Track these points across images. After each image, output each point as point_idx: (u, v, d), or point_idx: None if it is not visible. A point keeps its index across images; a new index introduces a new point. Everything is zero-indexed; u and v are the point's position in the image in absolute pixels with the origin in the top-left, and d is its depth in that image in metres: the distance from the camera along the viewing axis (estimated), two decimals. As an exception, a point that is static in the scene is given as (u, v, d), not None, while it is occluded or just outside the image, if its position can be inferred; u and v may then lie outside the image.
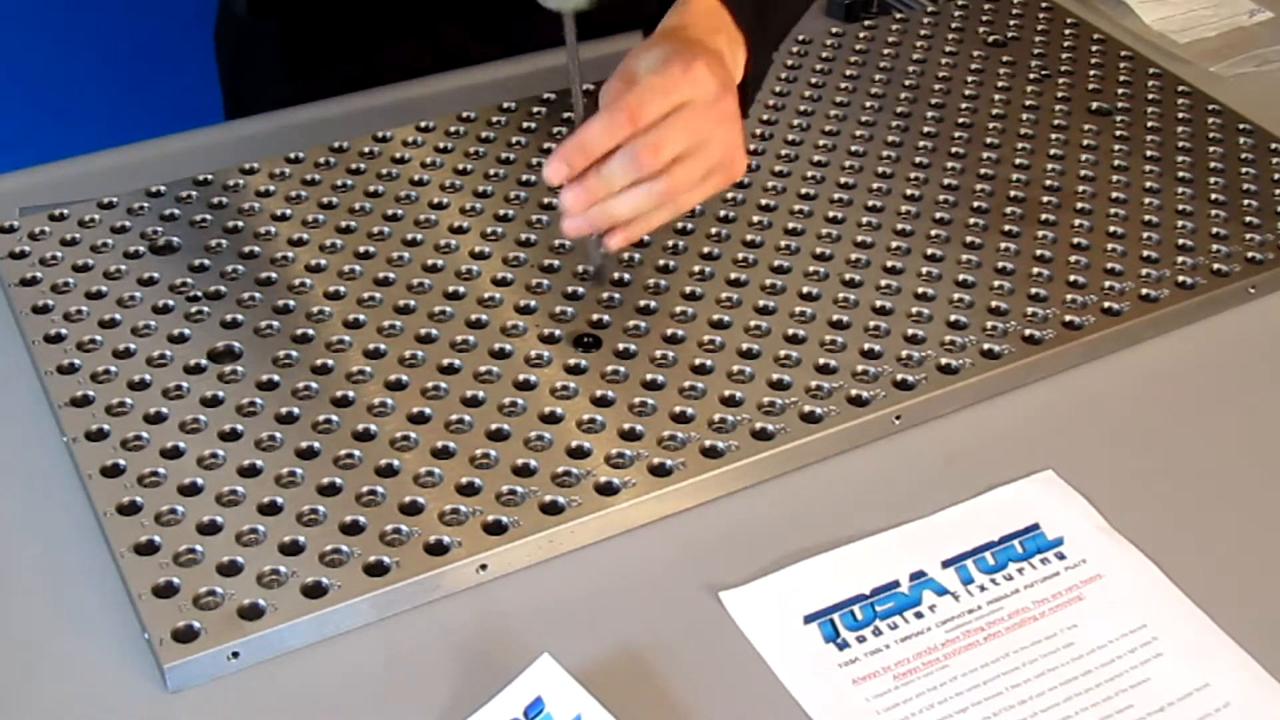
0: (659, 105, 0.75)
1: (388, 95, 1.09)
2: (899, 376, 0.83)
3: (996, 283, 0.90)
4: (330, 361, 0.82)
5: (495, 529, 0.73)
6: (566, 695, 0.65)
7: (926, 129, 1.05)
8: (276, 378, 0.81)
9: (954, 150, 1.03)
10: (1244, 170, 1.02)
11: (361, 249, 0.91)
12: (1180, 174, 1.02)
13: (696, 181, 0.78)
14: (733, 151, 0.79)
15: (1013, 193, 0.99)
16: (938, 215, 0.96)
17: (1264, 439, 0.84)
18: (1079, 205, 0.98)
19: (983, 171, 1.01)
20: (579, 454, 0.77)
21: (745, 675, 0.69)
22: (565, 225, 0.77)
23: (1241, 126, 1.07)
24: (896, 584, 0.74)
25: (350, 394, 0.80)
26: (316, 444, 0.77)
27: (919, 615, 0.73)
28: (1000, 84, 1.11)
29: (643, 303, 0.87)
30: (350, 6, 1.07)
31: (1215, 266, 0.93)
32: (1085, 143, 1.04)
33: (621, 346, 0.84)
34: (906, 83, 1.10)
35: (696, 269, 0.90)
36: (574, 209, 0.76)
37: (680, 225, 0.91)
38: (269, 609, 0.68)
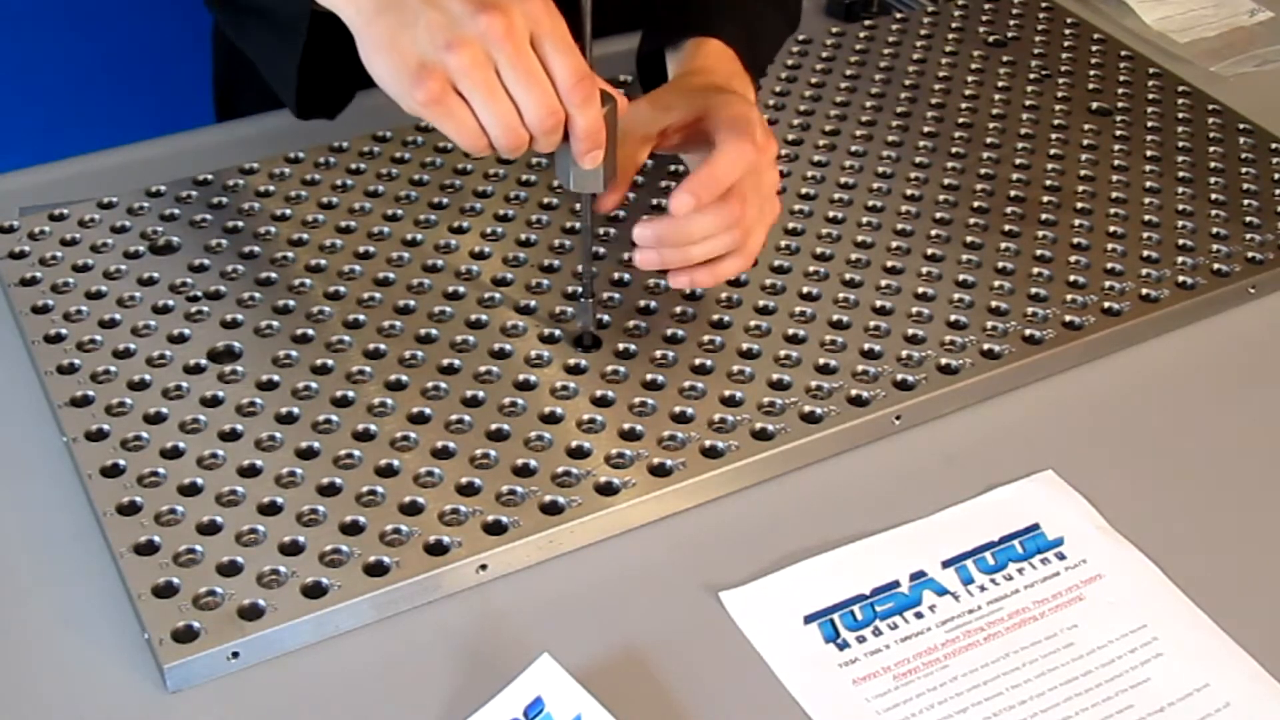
0: (755, 132, 0.78)
1: (388, 95, 1.09)
2: (899, 376, 0.83)
3: (996, 283, 0.90)
4: (330, 361, 0.82)
5: (495, 529, 0.73)
6: (566, 695, 0.65)
7: (926, 129, 1.05)
8: (276, 378, 0.81)
9: (954, 150, 1.03)
10: (1244, 170, 1.02)
11: (361, 249, 0.91)
12: (1180, 174, 1.02)
13: (756, 220, 0.80)
14: (775, 188, 0.82)
15: (1013, 193, 0.99)
16: (938, 215, 0.96)
17: (1264, 439, 0.84)
18: (1079, 205, 0.98)
19: (983, 171, 1.01)
20: (579, 454, 0.77)
21: (745, 675, 0.69)
22: (641, 258, 0.79)
23: (1241, 126, 1.07)
24: (896, 584, 0.74)
25: (350, 394, 0.80)
26: (316, 444, 0.77)
27: (919, 615, 0.73)
28: (1000, 84, 1.11)
29: (643, 303, 0.87)
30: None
31: (1215, 266, 0.93)
32: (1085, 143, 1.04)
33: (621, 346, 0.84)
34: (906, 83, 1.10)
35: (696, 269, 0.90)
36: (653, 245, 0.78)
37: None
38: (269, 609, 0.68)
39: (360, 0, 0.72)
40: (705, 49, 0.89)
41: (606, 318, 0.85)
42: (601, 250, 0.91)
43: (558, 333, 0.85)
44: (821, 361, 0.84)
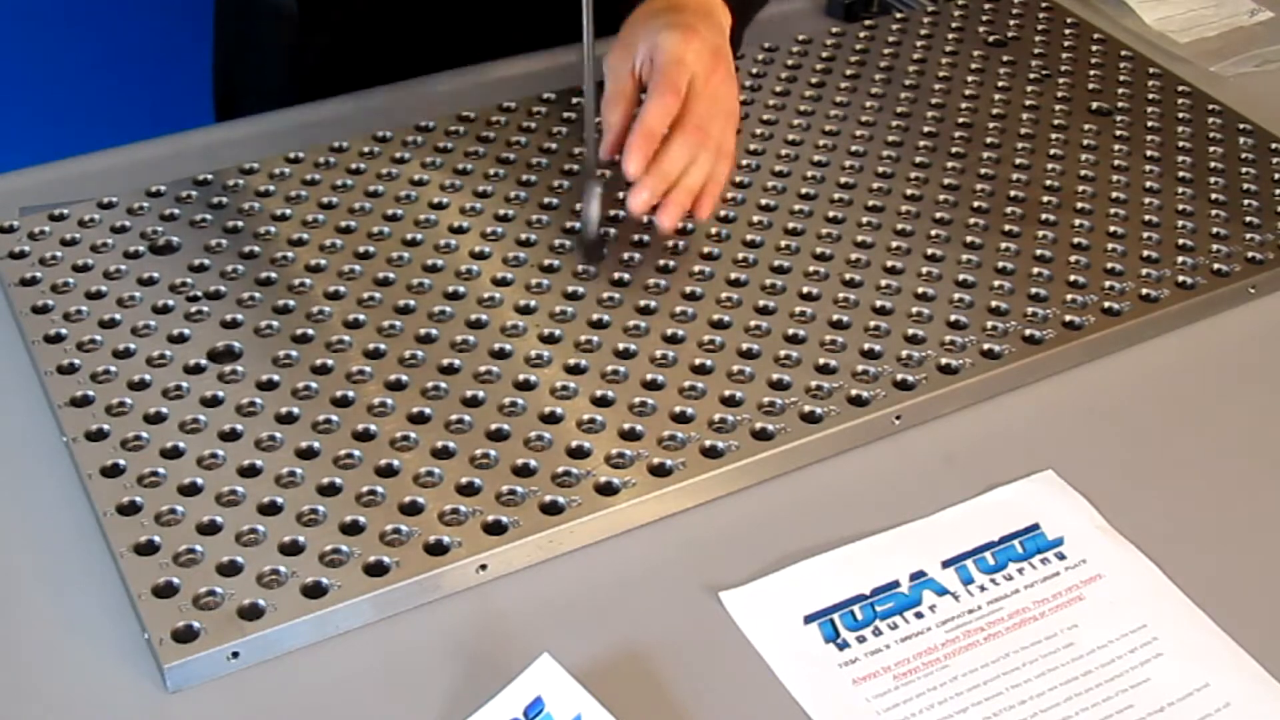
0: (684, 77, 0.86)
1: (388, 95, 1.09)
2: (899, 376, 0.83)
3: (996, 283, 0.90)
4: (330, 361, 0.82)
5: (495, 529, 0.73)
6: (566, 695, 0.65)
7: (926, 129, 1.05)
8: (276, 378, 0.81)
9: (954, 150, 1.03)
10: (1244, 170, 1.02)
11: (361, 249, 0.91)
12: (1180, 174, 1.02)
13: (722, 130, 0.88)
14: (734, 100, 0.90)
15: (1013, 193, 0.99)
16: (938, 215, 0.96)
17: (1264, 439, 0.84)
18: (1079, 205, 0.98)
19: (983, 171, 1.01)
20: (579, 454, 0.77)
21: (745, 675, 0.69)
22: (633, 202, 0.86)
23: (1241, 126, 1.07)
24: (896, 584, 0.74)
25: (350, 394, 0.80)
26: (316, 444, 0.77)
27: (919, 615, 0.73)
28: (1000, 84, 1.11)
29: (643, 303, 0.87)
30: (400, 28, 1.10)
31: (1215, 266, 0.93)
32: (1085, 143, 1.04)
33: (621, 346, 0.84)
34: (906, 83, 1.10)
35: (696, 269, 0.90)
36: (654, 194, 0.87)
37: (680, 225, 0.91)
38: (269, 609, 0.68)
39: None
40: None
41: (607, 318, 0.85)
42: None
43: (558, 332, 0.85)
44: (821, 361, 0.84)
